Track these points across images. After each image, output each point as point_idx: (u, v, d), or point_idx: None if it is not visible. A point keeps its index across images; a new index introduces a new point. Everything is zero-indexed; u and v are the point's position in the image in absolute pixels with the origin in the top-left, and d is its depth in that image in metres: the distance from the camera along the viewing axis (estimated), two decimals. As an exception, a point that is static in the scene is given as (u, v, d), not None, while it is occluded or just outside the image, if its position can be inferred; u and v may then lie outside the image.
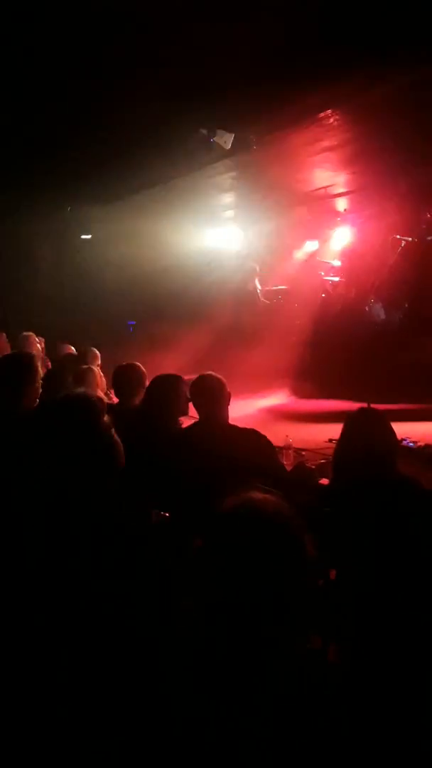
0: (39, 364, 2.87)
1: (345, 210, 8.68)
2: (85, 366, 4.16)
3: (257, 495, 1.15)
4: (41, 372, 2.86)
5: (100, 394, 3.73)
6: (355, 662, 1.81)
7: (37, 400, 2.71)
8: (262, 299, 9.22)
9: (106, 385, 4.14)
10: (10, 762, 1.22)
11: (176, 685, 1.09)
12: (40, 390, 2.79)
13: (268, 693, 1.04)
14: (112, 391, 3.85)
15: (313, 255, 9.19)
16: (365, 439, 2.16)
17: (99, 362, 4.64)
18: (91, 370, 4.04)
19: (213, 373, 2.95)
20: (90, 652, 1.35)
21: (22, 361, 2.81)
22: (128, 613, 1.41)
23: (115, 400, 3.69)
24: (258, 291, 9.18)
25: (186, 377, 3.10)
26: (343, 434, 2.22)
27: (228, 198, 8.53)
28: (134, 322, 9.74)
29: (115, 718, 1.17)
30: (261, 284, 9.27)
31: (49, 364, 4.90)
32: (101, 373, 4.20)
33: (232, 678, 1.04)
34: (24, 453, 1.93)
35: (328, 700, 1.08)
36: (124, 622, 1.39)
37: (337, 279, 8.62)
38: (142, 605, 1.42)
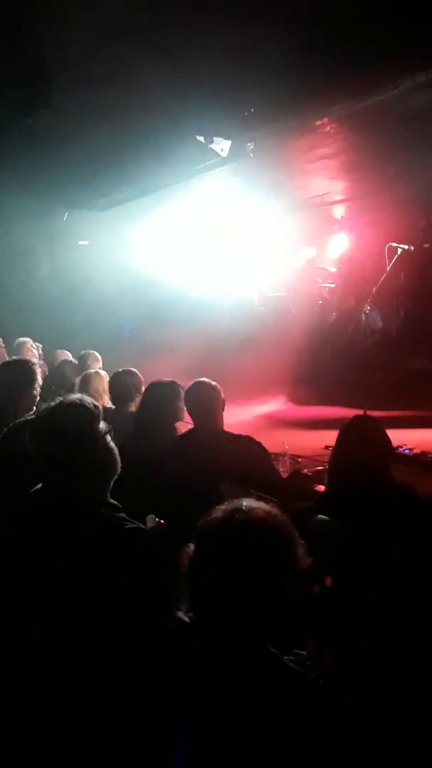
0: (38, 371, 2.87)
1: (342, 217, 8.72)
2: (92, 371, 4.13)
3: (249, 502, 1.15)
4: (39, 379, 2.86)
5: (105, 399, 3.72)
6: (350, 668, 1.81)
7: (35, 407, 2.71)
8: (258, 306, 9.25)
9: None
10: (10, 762, 1.21)
11: (174, 690, 1.09)
12: (38, 397, 2.80)
13: (264, 695, 1.03)
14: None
15: (310, 262, 9.23)
16: (360, 446, 2.16)
17: (100, 365, 4.63)
18: (98, 375, 4.02)
19: (208, 379, 2.95)
20: (89, 657, 1.35)
21: (21, 368, 2.82)
22: (126, 616, 1.41)
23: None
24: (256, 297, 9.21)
25: (181, 383, 3.10)
26: (337, 442, 2.23)
27: (226, 205, 8.55)
28: (130, 328, 9.74)
29: (114, 719, 1.17)
30: (258, 291, 9.29)
31: (47, 370, 4.89)
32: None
33: (227, 679, 1.04)
34: (19, 459, 1.93)
35: (325, 705, 1.08)
36: (122, 624, 1.39)
37: (333, 286, 8.65)
38: (139, 609, 1.42)
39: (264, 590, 1.05)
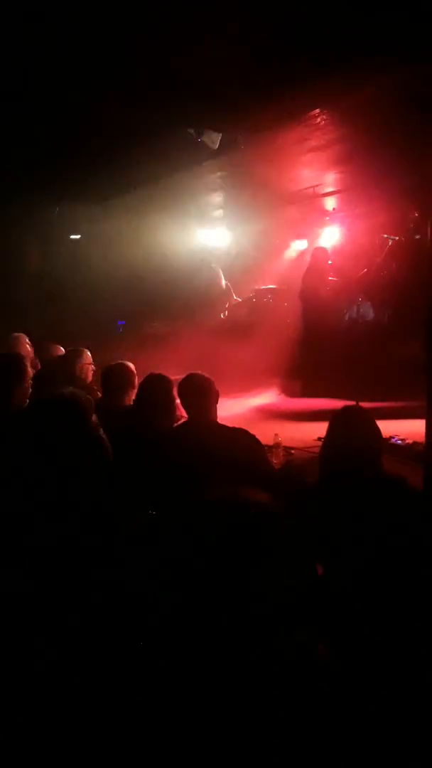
0: (28, 364, 2.88)
1: (333, 209, 8.72)
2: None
3: (236, 487, 1.17)
4: (30, 372, 2.87)
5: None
6: (343, 658, 1.83)
7: (27, 401, 2.72)
8: (251, 298, 9.24)
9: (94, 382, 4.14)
10: (8, 760, 1.22)
11: (172, 679, 1.10)
12: (30, 390, 2.80)
13: (254, 685, 1.05)
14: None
15: (302, 254, 9.22)
16: (349, 437, 2.17)
17: (87, 360, 4.60)
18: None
19: (201, 372, 2.96)
20: (86, 646, 1.35)
21: (11, 362, 2.82)
22: (122, 606, 1.41)
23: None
24: (226, 286, 9.09)
25: (173, 377, 3.11)
26: (328, 433, 2.24)
27: (217, 197, 8.53)
28: (123, 322, 9.72)
29: (112, 713, 1.18)
30: (227, 281, 9.28)
31: (39, 365, 4.88)
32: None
33: (219, 668, 1.05)
34: (13, 452, 1.93)
35: (319, 696, 1.08)
36: (118, 615, 1.40)
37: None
38: (134, 600, 1.42)
39: (250, 571, 1.07)
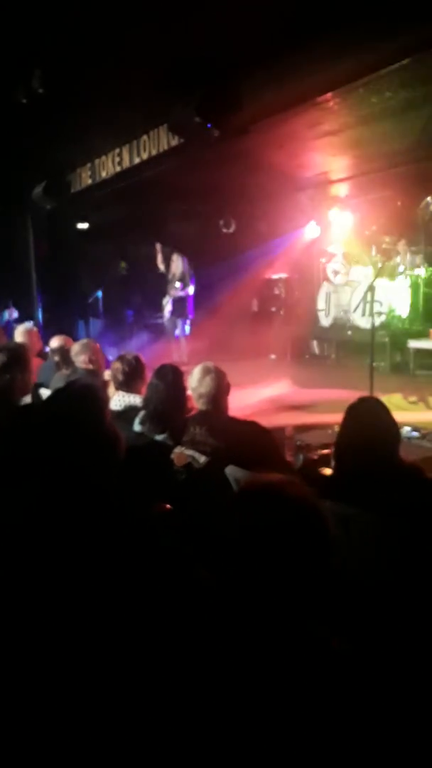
0: (30, 354, 2.86)
1: (346, 195, 8.59)
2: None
3: (280, 476, 1.21)
4: (33, 362, 2.86)
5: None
6: (361, 653, 1.80)
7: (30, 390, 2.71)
8: (263, 286, 9.13)
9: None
10: (9, 760, 1.20)
11: (185, 677, 1.08)
12: (33, 379, 2.79)
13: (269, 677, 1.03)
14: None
15: (314, 241, 9.10)
16: (366, 428, 2.13)
17: (84, 357, 4.52)
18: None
19: (212, 363, 2.92)
20: (95, 641, 1.33)
21: (13, 352, 2.81)
22: (133, 601, 1.39)
23: None
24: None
25: (183, 368, 3.07)
26: (343, 423, 2.20)
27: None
28: (132, 312, 9.68)
29: (119, 709, 1.16)
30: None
31: (49, 356, 4.86)
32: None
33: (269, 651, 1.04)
34: (23, 441, 1.91)
35: (332, 687, 1.08)
36: (129, 611, 1.37)
37: (338, 266, 8.54)
38: (146, 594, 1.41)
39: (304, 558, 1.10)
